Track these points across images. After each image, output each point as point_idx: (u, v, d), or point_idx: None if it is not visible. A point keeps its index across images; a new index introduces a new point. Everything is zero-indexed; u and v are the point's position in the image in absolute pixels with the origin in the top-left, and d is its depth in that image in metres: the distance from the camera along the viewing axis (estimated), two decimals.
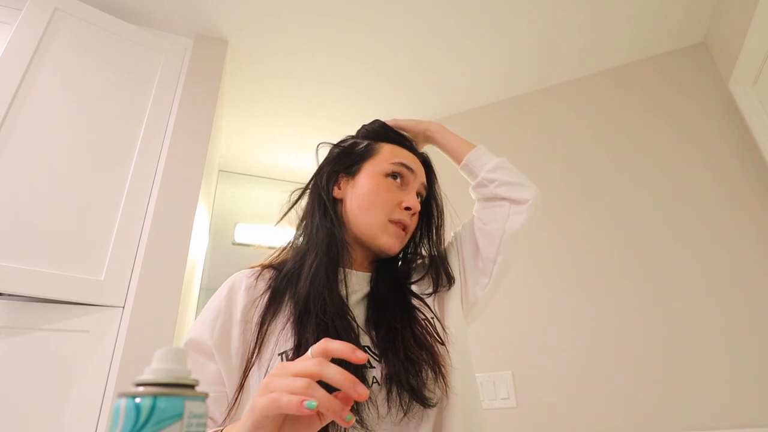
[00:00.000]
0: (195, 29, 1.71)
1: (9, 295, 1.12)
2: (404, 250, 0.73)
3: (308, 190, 0.70)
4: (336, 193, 0.69)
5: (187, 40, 1.70)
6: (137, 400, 0.29)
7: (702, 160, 1.64)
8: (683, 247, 1.55)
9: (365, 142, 0.72)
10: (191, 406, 0.30)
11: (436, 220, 0.75)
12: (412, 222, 0.68)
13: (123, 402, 0.29)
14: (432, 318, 0.63)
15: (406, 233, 0.68)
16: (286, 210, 0.70)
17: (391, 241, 0.65)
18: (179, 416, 0.29)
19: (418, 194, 0.71)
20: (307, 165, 2.51)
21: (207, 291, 2.36)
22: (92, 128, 1.36)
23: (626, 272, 1.59)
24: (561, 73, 1.98)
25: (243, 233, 2.96)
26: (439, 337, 0.61)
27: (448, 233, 0.78)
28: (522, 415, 1.54)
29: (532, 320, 1.65)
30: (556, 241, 1.74)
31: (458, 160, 0.80)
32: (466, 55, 1.86)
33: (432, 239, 0.74)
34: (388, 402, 0.54)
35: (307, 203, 0.70)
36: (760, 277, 1.42)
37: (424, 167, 0.75)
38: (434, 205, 0.75)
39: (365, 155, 0.70)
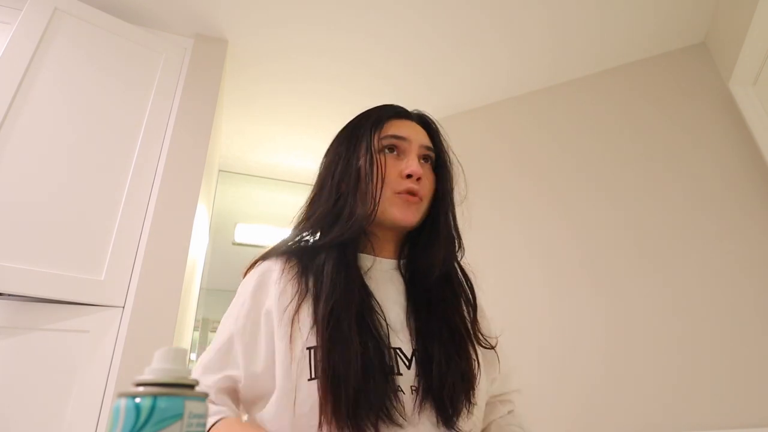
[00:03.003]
0: (195, 29, 1.71)
1: (9, 295, 1.12)
2: (431, 223, 0.66)
3: (322, 188, 0.66)
4: (342, 189, 0.65)
5: (187, 40, 1.70)
6: (137, 400, 0.28)
7: (702, 159, 1.64)
8: (683, 246, 1.55)
9: (360, 133, 0.67)
10: (191, 406, 0.29)
11: (444, 184, 0.67)
12: (422, 188, 0.63)
13: (123, 402, 0.29)
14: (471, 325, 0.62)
15: (420, 201, 0.63)
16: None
17: (401, 212, 0.62)
18: (179, 416, 0.29)
19: (425, 157, 0.66)
20: (307, 165, 2.51)
21: (207, 291, 2.36)
22: (92, 128, 1.36)
23: (629, 272, 1.59)
24: (559, 75, 1.98)
25: (243, 233, 2.96)
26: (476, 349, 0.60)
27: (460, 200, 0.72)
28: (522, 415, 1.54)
29: (531, 321, 1.65)
30: (552, 245, 1.74)
31: None
32: (454, 61, 1.89)
33: (442, 209, 0.66)
34: (419, 413, 0.53)
35: (323, 199, 0.65)
36: (761, 277, 1.42)
37: (423, 128, 0.69)
38: (442, 167, 0.68)
39: (357, 146, 0.65)
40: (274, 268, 0.62)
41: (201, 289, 2.11)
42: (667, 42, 1.83)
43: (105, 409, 1.11)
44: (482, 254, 1.85)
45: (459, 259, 0.69)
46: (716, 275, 1.47)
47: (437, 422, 0.53)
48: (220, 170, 2.54)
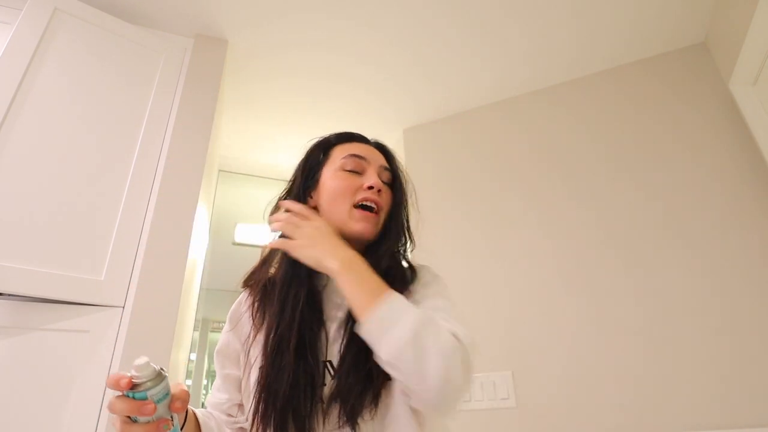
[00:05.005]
0: (195, 29, 1.71)
1: (9, 295, 1.12)
2: (385, 232, 0.73)
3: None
4: (310, 203, 0.74)
5: (187, 40, 1.70)
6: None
7: (702, 159, 1.64)
8: (683, 246, 1.55)
9: (319, 153, 0.77)
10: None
11: (398, 197, 0.76)
12: (381, 199, 0.71)
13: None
14: None
15: (378, 213, 0.70)
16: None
17: (360, 225, 0.68)
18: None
19: (383, 177, 0.74)
20: None
21: (207, 291, 2.36)
22: (92, 128, 1.36)
23: (626, 272, 1.59)
24: (560, 74, 1.98)
25: (243, 233, 2.96)
26: None
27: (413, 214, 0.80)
28: (522, 415, 1.54)
29: (532, 320, 1.65)
30: (556, 241, 1.74)
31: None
32: (462, 55, 1.87)
33: (395, 218, 0.74)
34: (327, 418, 0.60)
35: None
36: (760, 277, 1.42)
37: (380, 151, 0.78)
38: (397, 185, 0.77)
39: (321, 163, 0.76)
40: (241, 302, 0.75)
41: (201, 289, 2.10)
42: (667, 42, 1.83)
43: (105, 409, 1.11)
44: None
45: (406, 252, 0.76)
46: (715, 274, 1.47)
47: (339, 424, 0.58)
48: (220, 170, 2.54)
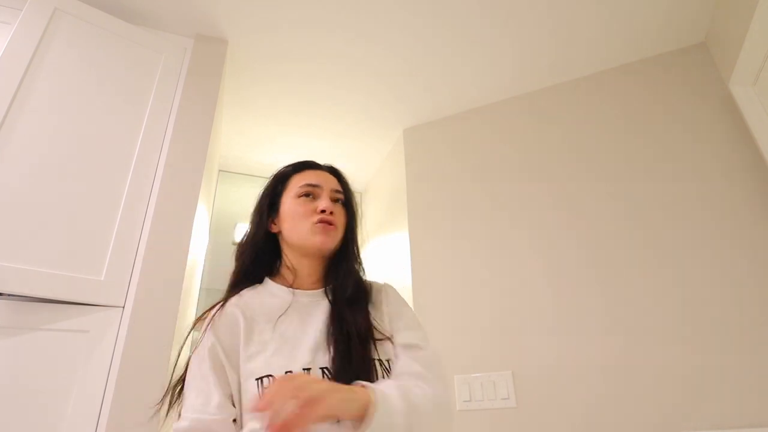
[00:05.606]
0: (195, 29, 1.71)
1: (9, 295, 1.12)
2: (344, 251, 0.84)
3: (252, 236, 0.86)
4: (273, 228, 0.85)
5: (187, 40, 1.70)
6: None
7: (702, 160, 1.64)
8: (682, 247, 1.55)
9: (278, 184, 0.88)
10: None
11: (350, 219, 0.87)
12: (335, 218, 0.81)
13: None
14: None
15: (335, 228, 0.80)
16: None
17: (319, 238, 0.78)
18: None
19: (336, 199, 0.85)
20: None
21: (207, 291, 2.36)
22: (92, 128, 1.36)
23: (626, 273, 1.59)
24: (558, 75, 1.98)
25: (243, 233, 2.96)
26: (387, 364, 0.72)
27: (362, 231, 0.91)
28: (522, 415, 1.54)
29: (532, 320, 1.65)
30: (556, 242, 1.74)
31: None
32: (449, 61, 1.89)
33: (349, 236, 0.85)
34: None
35: (247, 243, 0.87)
36: (760, 278, 1.42)
37: (333, 175, 0.89)
38: (349, 205, 0.88)
39: (280, 192, 0.86)
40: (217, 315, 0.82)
41: (201, 289, 2.10)
42: (667, 42, 1.83)
43: (105, 410, 1.11)
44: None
45: (362, 275, 0.86)
46: (715, 275, 1.47)
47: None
48: (220, 170, 2.54)
